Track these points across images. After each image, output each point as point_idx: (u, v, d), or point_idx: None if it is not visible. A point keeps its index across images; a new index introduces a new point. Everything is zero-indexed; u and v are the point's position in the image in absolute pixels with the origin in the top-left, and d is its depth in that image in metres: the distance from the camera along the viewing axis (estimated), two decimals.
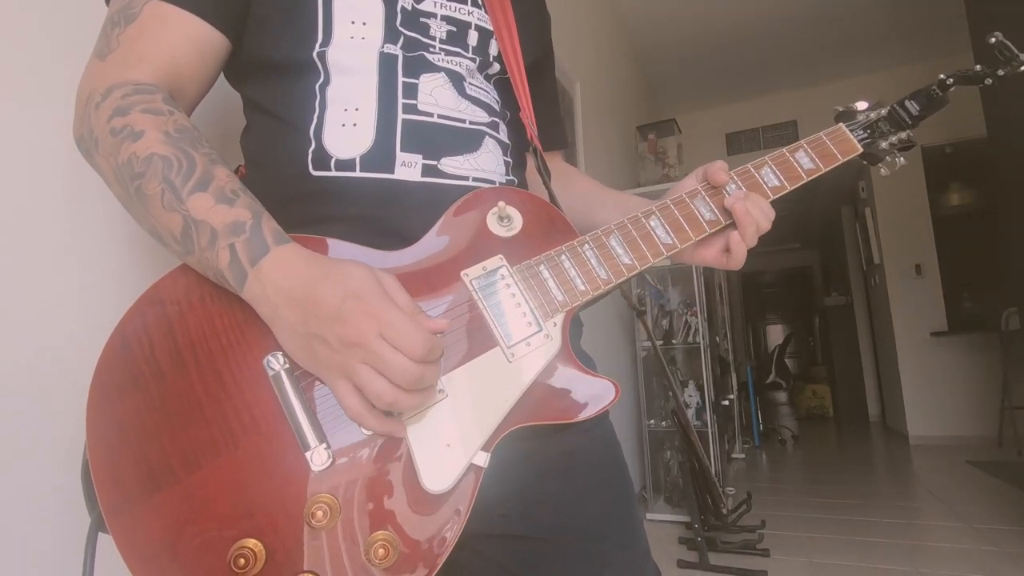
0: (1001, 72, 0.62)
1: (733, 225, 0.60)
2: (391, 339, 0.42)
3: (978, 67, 0.64)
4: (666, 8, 3.77)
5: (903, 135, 0.66)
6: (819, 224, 7.13)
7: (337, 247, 0.51)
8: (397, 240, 0.54)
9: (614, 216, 0.60)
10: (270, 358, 0.46)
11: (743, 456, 4.45)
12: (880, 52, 4.46)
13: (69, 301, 0.69)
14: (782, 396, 6.02)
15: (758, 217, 0.59)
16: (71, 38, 0.71)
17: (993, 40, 0.61)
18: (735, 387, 4.41)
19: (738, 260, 0.61)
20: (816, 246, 8.26)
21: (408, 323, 0.42)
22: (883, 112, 0.66)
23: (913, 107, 0.65)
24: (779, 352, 6.49)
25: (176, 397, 0.45)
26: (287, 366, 0.46)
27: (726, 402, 3.92)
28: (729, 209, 0.59)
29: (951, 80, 0.63)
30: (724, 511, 2.55)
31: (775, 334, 8.76)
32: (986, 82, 0.63)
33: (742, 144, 5.16)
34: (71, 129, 0.51)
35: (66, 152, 0.67)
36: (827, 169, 0.64)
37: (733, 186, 0.61)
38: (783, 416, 5.79)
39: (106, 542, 0.43)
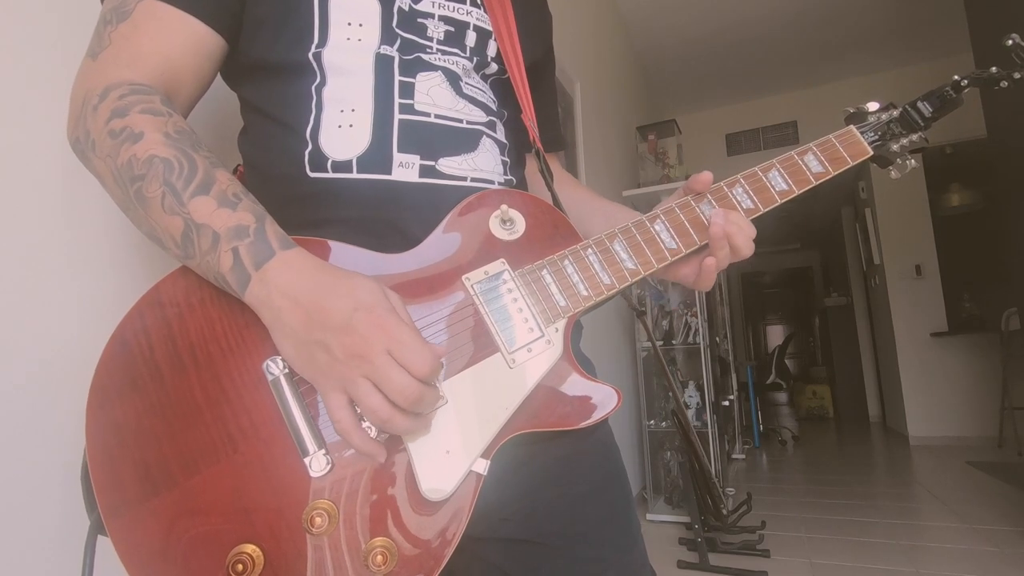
0: (1017, 75, 0.61)
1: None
2: (398, 355, 0.41)
3: (994, 69, 0.62)
4: (666, 8, 3.77)
5: (915, 137, 0.65)
6: (819, 224, 7.13)
7: (337, 249, 0.51)
8: (396, 241, 0.53)
9: (602, 227, 0.58)
10: (270, 363, 0.46)
11: (743, 456, 4.45)
12: (880, 52, 4.45)
13: (69, 303, 0.68)
14: (782, 396, 6.03)
15: (738, 240, 0.56)
16: (68, 37, 0.70)
17: (1010, 42, 0.60)
18: (735, 387, 4.40)
19: (705, 282, 0.58)
20: (816, 246, 8.26)
21: (417, 340, 0.42)
22: (895, 113, 0.65)
23: (926, 108, 0.63)
24: (779, 352, 6.50)
25: (175, 400, 0.45)
26: (287, 371, 0.46)
27: (726, 403, 3.92)
28: (709, 226, 0.57)
29: (965, 81, 0.61)
30: (724, 512, 2.55)
31: (775, 334, 8.77)
32: (1001, 84, 0.62)
33: (742, 144, 5.15)
34: (65, 131, 0.50)
35: (62, 154, 0.67)
36: (836, 172, 0.62)
37: (707, 207, 0.59)
38: (783, 416, 5.79)
39: (106, 545, 0.43)
